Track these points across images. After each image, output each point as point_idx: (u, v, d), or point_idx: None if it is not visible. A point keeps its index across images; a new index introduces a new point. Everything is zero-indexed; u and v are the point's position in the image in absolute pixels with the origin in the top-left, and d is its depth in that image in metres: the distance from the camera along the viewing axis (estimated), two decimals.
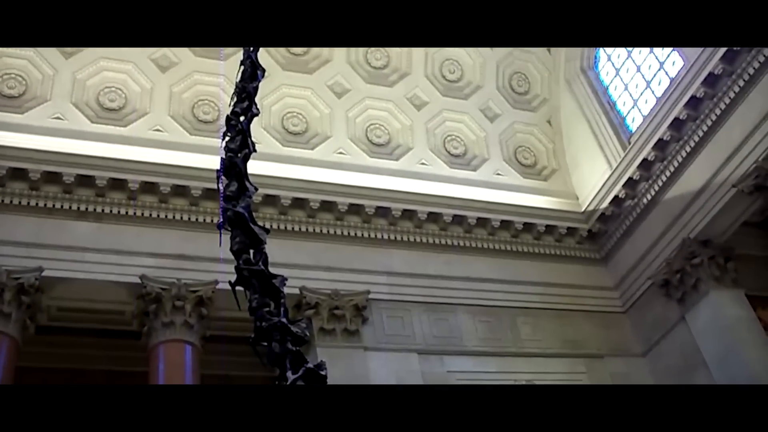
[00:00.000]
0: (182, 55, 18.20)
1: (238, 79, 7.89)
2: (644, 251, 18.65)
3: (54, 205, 15.38)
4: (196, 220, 16.23)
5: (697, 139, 17.16)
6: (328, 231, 17.33)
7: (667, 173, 17.98)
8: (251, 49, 7.93)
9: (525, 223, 19.13)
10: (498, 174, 20.37)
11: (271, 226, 15.21)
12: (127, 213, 15.85)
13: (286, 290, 6.68)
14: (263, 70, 8.02)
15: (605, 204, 19.39)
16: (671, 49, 18.42)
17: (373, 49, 19.99)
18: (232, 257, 6.70)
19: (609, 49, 20.70)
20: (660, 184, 18.19)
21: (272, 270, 6.75)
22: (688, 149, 17.41)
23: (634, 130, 19.30)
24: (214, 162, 8.41)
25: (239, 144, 7.52)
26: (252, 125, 7.82)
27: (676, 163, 17.75)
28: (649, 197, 18.53)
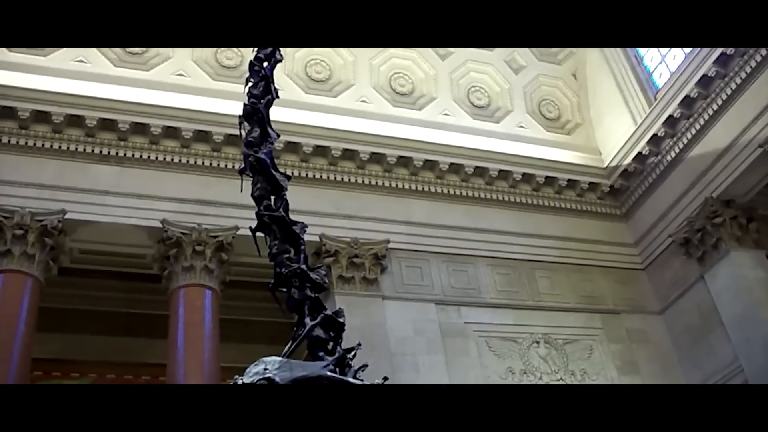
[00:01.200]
0: None
1: None
2: (666, 209, 18.51)
3: (77, 149, 15.45)
4: (218, 165, 16.26)
5: (724, 97, 16.87)
6: (349, 179, 17.32)
7: (693, 131, 17.74)
8: None
9: (547, 177, 19.02)
10: (521, 127, 20.19)
11: (292, 173, 15.24)
12: (149, 157, 15.91)
13: (306, 237, 6.71)
14: None
15: (628, 160, 19.20)
16: None
17: None
18: (253, 203, 6.72)
19: None
20: (685, 141, 17.96)
21: (293, 217, 6.77)
22: (715, 107, 17.14)
23: (660, 86, 19.01)
24: (236, 108, 8.39)
25: (262, 90, 7.50)
26: (275, 72, 7.79)
27: (702, 121, 17.49)
28: (673, 154, 18.32)
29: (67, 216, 14.51)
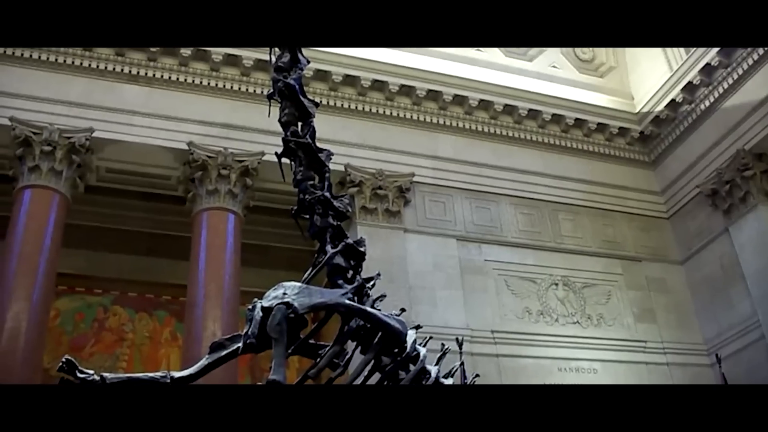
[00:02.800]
0: None
1: None
2: (695, 159, 18.28)
3: (106, 67, 15.43)
4: (246, 90, 16.20)
5: (765, 47, 16.49)
6: (377, 111, 17.21)
7: (729, 81, 17.39)
8: None
9: (576, 119, 18.80)
10: (553, 66, 19.86)
11: (320, 101, 15.13)
12: (177, 79, 15.86)
13: (331, 166, 6.69)
14: None
15: (661, 107, 18.90)
16: None
17: None
18: (280, 129, 6.69)
19: None
20: (720, 91, 17.62)
21: (319, 145, 6.75)
22: (755, 57, 16.74)
23: None
24: None
25: None
26: None
27: (740, 71, 17.12)
28: (707, 104, 18.01)
29: (94, 134, 14.60)
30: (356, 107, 17.05)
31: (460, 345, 13.37)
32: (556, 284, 16.83)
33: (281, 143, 6.59)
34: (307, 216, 6.38)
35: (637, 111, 19.56)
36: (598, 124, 19.02)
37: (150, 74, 15.68)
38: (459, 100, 17.84)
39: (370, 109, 17.16)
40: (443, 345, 7.02)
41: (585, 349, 16.21)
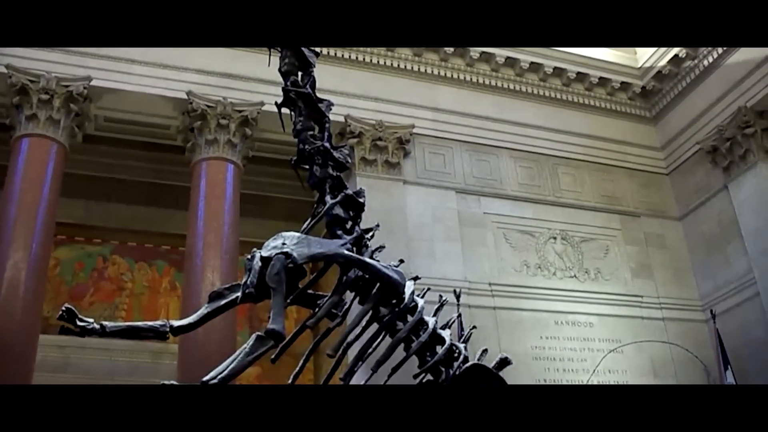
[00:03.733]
0: None
1: None
2: (696, 115, 18.16)
3: None
4: None
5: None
6: (378, 61, 17.04)
7: None
8: None
9: (578, 73, 18.64)
10: None
11: (320, 51, 15.05)
12: None
13: (331, 116, 6.66)
14: None
15: (663, 62, 18.73)
16: None
17: None
18: (280, 78, 6.64)
19: None
20: (723, 47, 17.47)
21: (319, 95, 6.71)
22: None
23: None
24: None
25: None
26: None
27: None
28: (710, 59, 17.84)
29: (92, 83, 14.47)
30: (357, 57, 16.89)
31: (458, 297, 13.51)
32: (555, 238, 16.87)
33: (281, 93, 6.56)
34: (307, 166, 6.38)
35: (639, 66, 19.39)
36: (600, 78, 18.88)
37: None
38: (460, 52, 17.67)
39: (371, 60, 17.00)
40: (441, 297, 7.07)
41: (582, 303, 16.31)
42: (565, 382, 15.25)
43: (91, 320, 4.89)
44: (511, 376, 6.64)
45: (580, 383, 14.69)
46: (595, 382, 15.03)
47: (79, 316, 4.80)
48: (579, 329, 15.99)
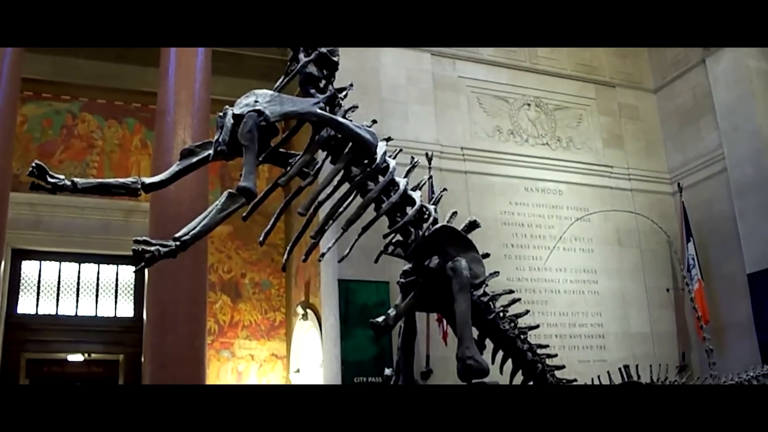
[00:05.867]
0: None
1: None
2: None
3: None
4: None
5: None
6: None
7: None
8: None
9: None
10: None
11: None
12: None
13: None
14: None
15: None
16: None
17: None
18: None
19: None
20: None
21: None
22: None
23: None
24: None
25: None
26: None
27: None
28: None
29: None
30: None
31: (430, 160, 13.57)
32: (529, 105, 16.83)
33: None
34: None
35: None
36: None
37: None
38: None
39: None
40: (413, 158, 7.06)
41: (552, 170, 16.47)
42: (532, 248, 15.60)
43: (62, 177, 4.84)
44: (479, 240, 6.74)
45: (547, 249, 15.00)
46: (561, 249, 15.37)
47: (50, 173, 4.74)
48: (548, 196, 16.22)
